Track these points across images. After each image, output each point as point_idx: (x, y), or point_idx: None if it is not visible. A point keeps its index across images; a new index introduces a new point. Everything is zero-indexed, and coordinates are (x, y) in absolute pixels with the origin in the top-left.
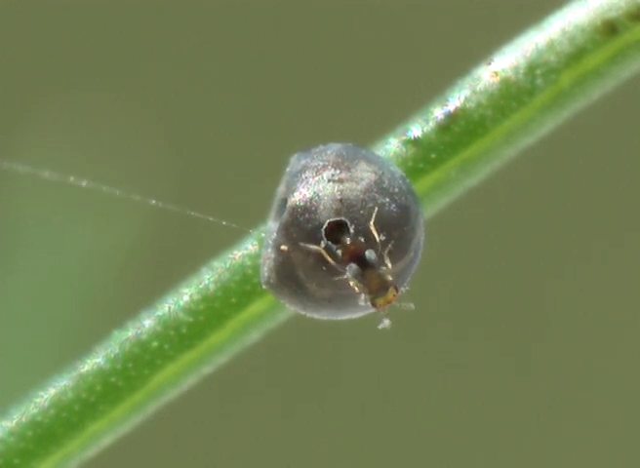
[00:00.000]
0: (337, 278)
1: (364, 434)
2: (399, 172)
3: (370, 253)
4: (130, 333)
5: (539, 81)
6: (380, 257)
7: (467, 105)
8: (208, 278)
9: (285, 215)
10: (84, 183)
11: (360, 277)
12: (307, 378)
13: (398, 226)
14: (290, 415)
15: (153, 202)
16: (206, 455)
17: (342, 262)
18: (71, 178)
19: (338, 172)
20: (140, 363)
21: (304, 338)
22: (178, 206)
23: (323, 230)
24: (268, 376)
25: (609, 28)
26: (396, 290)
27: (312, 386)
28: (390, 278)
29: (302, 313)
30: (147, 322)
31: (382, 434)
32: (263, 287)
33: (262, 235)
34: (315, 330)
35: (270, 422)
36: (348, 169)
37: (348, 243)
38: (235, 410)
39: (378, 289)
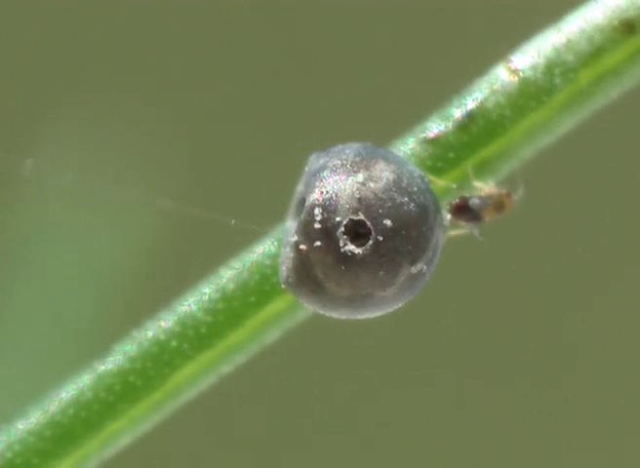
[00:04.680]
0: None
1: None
2: (417, 171)
3: (472, 203)
4: (149, 333)
5: (557, 80)
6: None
7: (486, 105)
8: (227, 277)
9: (304, 215)
10: (103, 183)
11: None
12: (315, 380)
13: (416, 225)
14: (296, 418)
15: (172, 203)
16: (222, 456)
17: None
18: (91, 178)
19: (356, 171)
20: (159, 362)
21: (315, 340)
22: (195, 207)
23: (342, 229)
24: (282, 378)
25: (627, 27)
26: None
27: (318, 388)
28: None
29: (321, 312)
30: (166, 321)
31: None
32: (282, 286)
33: (281, 234)
34: (321, 332)
35: (281, 423)
36: (367, 168)
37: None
38: (251, 412)
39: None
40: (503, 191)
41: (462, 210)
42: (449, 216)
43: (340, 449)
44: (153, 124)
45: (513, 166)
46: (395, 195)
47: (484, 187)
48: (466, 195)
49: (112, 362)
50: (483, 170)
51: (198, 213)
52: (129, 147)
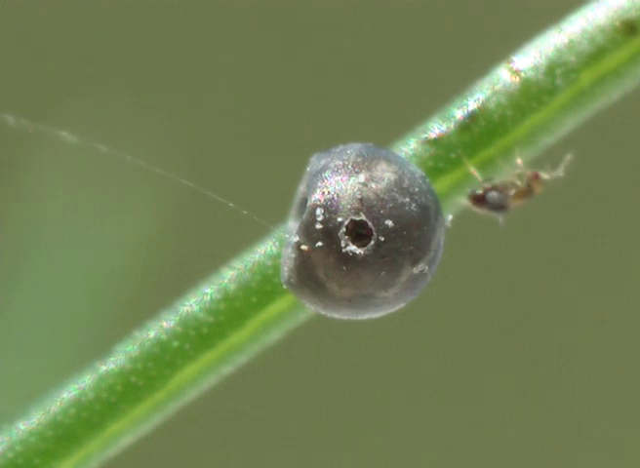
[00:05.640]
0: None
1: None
2: (419, 171)
3: (489, 194)
4: (150, 333)
5: (558, 81)
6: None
7: (487, 105)
8: (228, 278)
9: (305, 215)
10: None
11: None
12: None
13: (418, 226)
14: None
15: (186, 183)
16: (223, 456)
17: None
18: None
19: (358, 171)
20: (161, 363)
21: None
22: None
23: (343, 229)
24: (282, 377)
25: (628, 28)
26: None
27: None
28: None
29: (323, 313)
30: (168, 322)
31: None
32: (284, 286)
33: (283, 235)
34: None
35: (283, 425)
36: (368, 168)
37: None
38: (251, 412)
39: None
40: (531, 174)
41: (481, 202)
42: (472, 205)
43: (340, 450)
44: (154, 124)
45: (543, 146)
46: (397, 196)
47: (508, 175)
48: (487, 186)
49: (114, 362)
50: (485, 170)
51: (210, 196)
52: (129, 147)
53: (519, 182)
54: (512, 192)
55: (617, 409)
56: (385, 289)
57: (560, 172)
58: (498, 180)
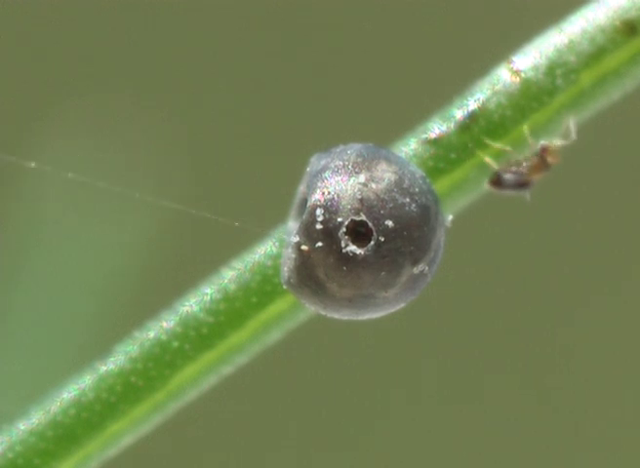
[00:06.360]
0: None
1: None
2: (419, 172)
3: (504, 176)
4: (150, 333)
5: (559, 81)
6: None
7: (487, 106)
8: (228, 278)
9: (305, 215)
10: (104, 184)
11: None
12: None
13: (418, 226)
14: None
15: (177, 206)
16: (222, 456)
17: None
18: (92, 179)
19: (358, 172)
20: (161, 363)
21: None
22: (197, 208)
23: (343, 230)
24: (283, 378)
25: (629, 28)
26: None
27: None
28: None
29: (323, 313)
30: (168, 322)
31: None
32: (284, 287)
33: (283, 235)
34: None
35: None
36: (369, 169)
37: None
38: (251, 412)
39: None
40: (541, 148)
41: (500, 185)
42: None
43: (340, 449)
44: (154, 125)
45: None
46: (397, 196)
47: (516, 156)
48: (501, 168)
49: (114, 362)
50: (485, 170)
51: (201, 214)
52: (129, 148)
53: (529, 157)
54: (525, 168)
55: (619, 410)
56: (386, 289)
57: (570, 136)
58: (506, 161)
